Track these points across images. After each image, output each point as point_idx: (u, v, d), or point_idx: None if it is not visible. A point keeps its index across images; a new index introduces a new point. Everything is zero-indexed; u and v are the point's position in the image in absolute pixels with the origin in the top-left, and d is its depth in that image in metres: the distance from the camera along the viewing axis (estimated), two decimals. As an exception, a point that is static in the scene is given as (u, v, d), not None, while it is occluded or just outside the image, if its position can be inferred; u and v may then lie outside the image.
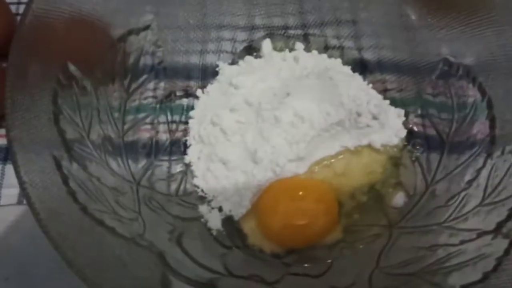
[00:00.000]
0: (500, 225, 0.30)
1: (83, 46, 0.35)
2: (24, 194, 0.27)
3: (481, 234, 0.31)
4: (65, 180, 0.30)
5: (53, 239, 0.26)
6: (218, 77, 0.43)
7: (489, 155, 0.35)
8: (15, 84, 0.29)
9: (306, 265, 0.36)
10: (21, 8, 0.47)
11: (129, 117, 0.39)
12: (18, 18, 0.45)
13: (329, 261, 0.35)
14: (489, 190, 0.33)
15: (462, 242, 0.31)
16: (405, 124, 0.40)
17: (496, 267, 0.28)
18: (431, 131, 0.40)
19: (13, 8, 0.46)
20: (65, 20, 0.33)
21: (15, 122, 0.28)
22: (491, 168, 0.34)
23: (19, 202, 0.40)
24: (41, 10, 0.32)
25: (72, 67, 0.33)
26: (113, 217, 0.31)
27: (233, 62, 0.44)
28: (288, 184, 0.38)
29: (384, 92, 0.42)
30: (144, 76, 0.40)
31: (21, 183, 0.27)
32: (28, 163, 0.28)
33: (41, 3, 0.32)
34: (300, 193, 0.37)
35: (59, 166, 0.30)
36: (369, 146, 0.39)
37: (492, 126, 0.35)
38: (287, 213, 0.36)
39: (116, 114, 0.38)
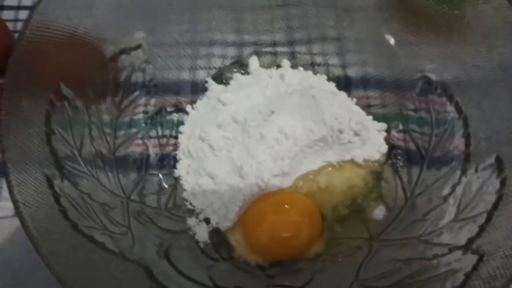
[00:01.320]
0: (470, 241, 0.32)
1: (76, 67, 0.37)
2: (17, 213, 0.28)
3: (452, 249, 0.32)
4: (56, 198, 0.31)
5: (44, 257, 0.28)
6: (207, 93, 0.44)
7: (463, 172, 0.36)
8: (9, 107, 0.31)
9: (289, 277, 0.37)
10: (19, 25, 0.49)
11: (121, 133, 0.40)
12: (16, 35, 0.47)
13: (311, 273, 0.37)
14: (462, 206, 0.35)
15: (435, 257, 0.33)
16: (386, 139, 0.42)
17: (464, 282, 0.30)
18: (412, 146, 0.41)
19: (10, 25, 0.47)
20: (59, 42, 0.35)
21: (9, 144, 0.30)
22: (465, 185, 0.35)
23: (16, 214, 0.41)
24: (35, 33, 0.33)
25: (64, 88, 0.35)
26: (103, 232, 0.33)
27: (222, 78, 0.46)
28: (273, 198, 0.39)
29: (367, 107, 0.44)
30: (136, 93, 0.42)
31: (15, 202, 0.29)
32: (22, 183, 0.30)
33: (35, 26, 0.33)
34: (285, 206, 0.39)
35: (51, 185, 0.31)
36: (352, 161, 0.41)
37: (467, 144, 0.37)
38: (272, 225, 0.38)
39: (107, 130, 0.39)
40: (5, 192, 0.41)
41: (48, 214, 0.30)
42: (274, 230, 0.38)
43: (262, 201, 0.39)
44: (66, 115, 0.35)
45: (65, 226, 0.30)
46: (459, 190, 0.36)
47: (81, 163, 0.35)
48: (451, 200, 0.36)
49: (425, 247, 0.34)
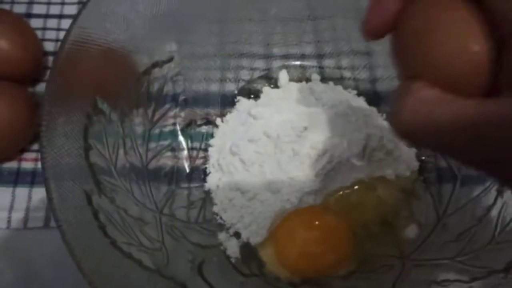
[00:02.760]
0: (510, 265, 0.32)
1: (111, 80, 0.37)
2: (60, 232, 0.28)
3: (491, 272, 0.32)
4: (95, 215, 0.31)
5: (87, 275, 0.27)
6: (236, 106, 0.44)
7: (499, 193, 0.36)
8: (49, 122, 0.31)
9: (321, 294, 0.37)
10: (47, 34, 0.49)
11: (152, 145, 0.40)
12: (44, 43, 0.47)
13: (344, 291, 0.37)
14: (499, 228, 0.34)
15: (473, 280, 0.33)
16: (417, 156, 0.42)
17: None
18: (443, 163, 0.41)
19: (38, 33, 0.47)
20: (96, 56, 0.35)
21: (50, 161, 0.30)
22: (502, 207, 0.35)
23: (45, 226, 0.41)
24: (74, 47, 0.33)
25: (101, 102, 0.35)
26: (140, 249, 0.33)
27: (251, 91, 0.46)
28: (305, 214, 0.39)
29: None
30: (167, 105, 0.42)
31: (57, 220, 0.28)
32: (63, 200, 0.29)
33: (74, 40, 0.33)
34: (316, 222, 0.39)
35: (89, 201, 0.31)
36: (383, 178, 0.40)
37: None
38: (303, 241, 0.38)
39: (140, 143, 0.39)
40: (35, 202, 0.42)
41: (88, 231, 0.30)
42: (305, 246, 0.38)
43: (293, 216, 0.39)
44: (102, 129, 0.35)
45: (104, 244, 0.30)
46: (495, 212, 0.35)
47: (116, 177, 0.35)
48: (485, 222, 0.36)
49: (461, 268, 0.34)
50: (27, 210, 0.42)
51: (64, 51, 0.32)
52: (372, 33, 0.23)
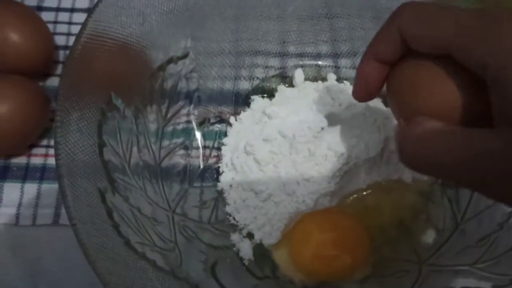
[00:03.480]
0: (533, 273, 0.31)
1: (125, 76, 0.36)
2: (73, 230, 0.27)
3: (514, 280, 0.31)
4: (109, 213, 0.30)
5: (101, 275, 0.27)
6: (251, 105, 0.43)
7: (521, 199, 0.35)
8: (63, 118, 0.30)
9: (336, 299, 0.36)
10: (58, 27, 0.48)
11: (165, 143, 0.40)
12: (55, 37, 0.46)
13: (359, 296, 0.36)
14: (521, 235, 0.34)
15: (495, 287, 0.32)
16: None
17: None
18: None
19: (50, 27, 0.46)
20: (110, 50, 0.34)
21: (64, 158, 0.29)
22: (524, 213, 0.34)
23: (54, 222, 0.40)
24: (89, 41, 0.32)
25: (115, 98, 0.34)
26: (153, 249, 0.32)
27: (265, 90, 0.45)
28: (321, 216, 0.38)
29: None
30: (180, 103, 0.41)
31: (71, 219, 0.28)
32: (76, 198, 0.29)
33: (90, 34, 0.32)
34: (332, 225, 0.38)
35: (103, 199, 0.31)
36: (400, 181, 0.40)
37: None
38: (319, 244, 0.37)
39: (153, 140, 0.38)
40: (44, 198, 0.41)
41: (101, 230, 0.29)
42: (320, 248, 0.37)
43: (309, 218, 0.38)
44: (116, 125, 0.34)
45: (119, 243, 0.30)
46: (516, 219, 0.35)
47: (130, 175, 0.34)
48: (507, 228, 0.35)
49: (481, 276, 0.33)
50: (36, 206, 0.41)
51: (80, 44, 0.32)
52: (361, 100, 0.31)
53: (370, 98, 0.30)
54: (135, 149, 0.36)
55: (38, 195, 0.41)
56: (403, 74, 0.27)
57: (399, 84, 0.27)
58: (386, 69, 0.28)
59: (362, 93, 0.29)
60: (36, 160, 0.43)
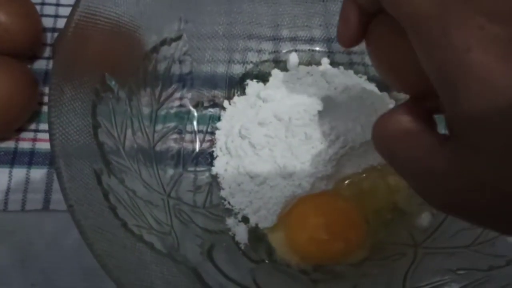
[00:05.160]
0: (529, 253, 0.31)
1: (119, 56, 0.35)
2: (70, 211, 0.27)
3: (510, 261, 0.32)
4: (105, 195, 0.30)
5: (99, 257, 0.26)
6: (246, 89, 0.43)
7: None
8: (57, 97, 0.29)
9: (333, 282, 0.36)
10: (45, 9, 0.47)
11: (159, 127, 0.39)
12: (42, 19, 0.45)
13: (356, 279, 0.36)
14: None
15: (491, 269, 0.32)
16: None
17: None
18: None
19: (37, 8, 0.45)
20: (104, 30, 0.33)
21: (59, 138, 0.28)
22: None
23: (44, 208, 0.39)
24: (82, 20, 0.31)
25: (109, 78, 0.33)
26: (150, 232, 0.31)
27: (258, 74, 0.44)
28: (317, 200, 0.38)
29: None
30: (174, 85, 0.40)
31: (67, 200, 0.27)
32: (72, 179, 0.28)
33: (83, 12, 0.31)
34: (328, 208, 0.38)
35: (99, 181, 0.30)
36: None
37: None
38: (315, 226, 0.37)
39: (147, 124, 0.38)
40: (33, 183, 0.40)
41: (98, 212, 0.28)
42: (316, 231, 0.37)
43: (305, 201, 0.38)
44: (111, 106, 0.33)
45: (115, 225, 0.29)
46: None
47: (125, 157, 0.34)
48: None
49: (477, 257, 0.33)
50: (25, 191, 0.40)
51: (73, 21, 0.31)
52: (345, 45, 0.27)
53: (352, 43, 0.26)
54: (129, 131, 0.35)
55: (27, 180, 0.40)
56: (374, 33, 0.25)
57: (374, 42, 0.25)
58: (366, 16, 0.25)
59: (344, 37, 0.26)
60: (24, 145, 0.42)
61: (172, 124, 0.40)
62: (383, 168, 0.40)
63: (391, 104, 0.42)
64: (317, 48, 0.46)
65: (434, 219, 0.38)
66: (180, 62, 0.41)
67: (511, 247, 0.33)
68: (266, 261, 0.37)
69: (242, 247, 0.37)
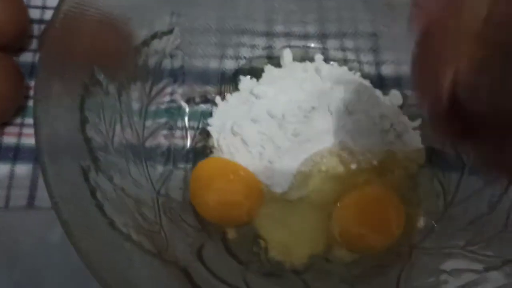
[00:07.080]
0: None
1: (109, 50, 0.34)
2: (54, 208, 0.26)
3: (506, 262, 0.31)
4: (93, 193, 0.29)
5: (85, 256, 0.25)
6: (239, 85, 0.42)
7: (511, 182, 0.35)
8: (43, 90, 0.28)
9: (325, 282, 0.35)
10: (33, 0, 0.46)
11: (149, 123, 0.38)
12: (29, 10, 0.44)
13: (348, 280, 0.35)
14: (511, 217, 0.33)
15: (486, 269, 0.32)
16: (425, 143, 0.40)
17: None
18: (452, 151, 0.40)
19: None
20: (94, 22, 0.32)
21: (44, 133, 0.27)
22: (514, 195, 0.34)
23: (29, 204, 0.38)
24: (72, 10, 0.30)
25: (98, 72, 0.32)
26: (139, 231, 0.30)
27: (251, 70, 0.44)
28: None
29: (402, 107, 0.42)
30: (165, 80, 0.39)
31: (51, 197, 0.26)
32: (57, 175, 0.27)
33: (71, 5, 0.30)
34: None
35: (86, 178, 0.29)
36: (390, 164, 0.39)
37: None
38: (368, 217, 0.37)
39: (136, 119, 0.37)
40: (18, 179, 0.39)
41: (85, 210, 0.27)
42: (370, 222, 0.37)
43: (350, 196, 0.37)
44: (99, 101, 0.32)
45: (102, 224, 0.28)
46: (506, 200, 0.34)
47: (114, 154, 0.33)
48: (498, 210, 0.35)
49: (473, 258, 0.33)
50: (9, 188, 0.39)
51: (61, 12, 0.29)
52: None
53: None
54: (118, 127, 0.34)
55: (11, 176, 0.39)
56: None
57: None
58: None
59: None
60: (9, 139, 0.41)
61: (163, 120, 0.39)
62: (380, 166, 0.39)
63: (386, 102, 0.41)
64: (311, 44, 0.45)
65: (429, 220, 0.37)
66: (172, 56, 0.40)
67: (506, 248, 0.32)
68: (257, 261, 0.36)
69: (233, 247, 0.36)
